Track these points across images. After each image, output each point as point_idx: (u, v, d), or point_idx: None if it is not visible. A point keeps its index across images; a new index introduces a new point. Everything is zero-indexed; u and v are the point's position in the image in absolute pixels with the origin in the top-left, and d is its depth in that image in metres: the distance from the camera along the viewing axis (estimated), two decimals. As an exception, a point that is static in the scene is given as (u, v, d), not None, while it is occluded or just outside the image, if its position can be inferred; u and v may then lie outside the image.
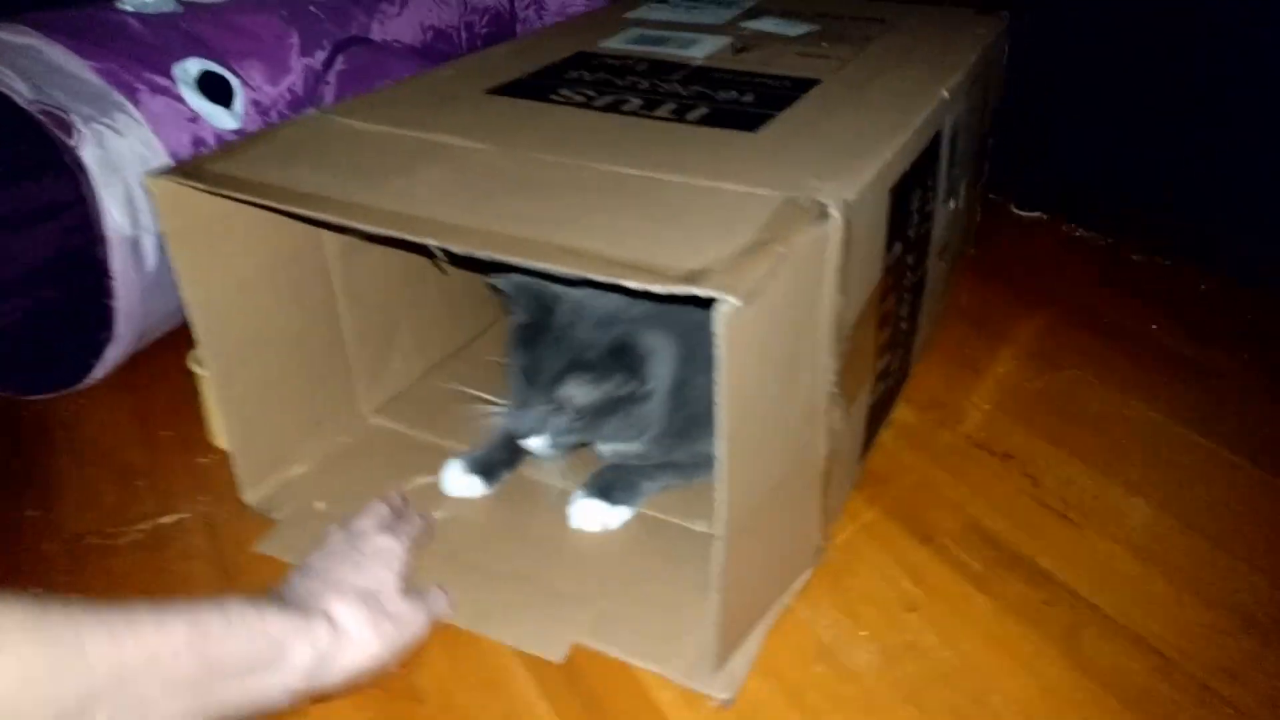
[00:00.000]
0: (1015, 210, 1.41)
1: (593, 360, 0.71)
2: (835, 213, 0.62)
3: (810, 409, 0.67)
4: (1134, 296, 1.17)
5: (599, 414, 0.73)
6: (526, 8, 1.58)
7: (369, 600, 0.60)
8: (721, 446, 0.56)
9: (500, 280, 0.74)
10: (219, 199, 0.69)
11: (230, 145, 0.75)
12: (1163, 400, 0.97)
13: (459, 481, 0.82)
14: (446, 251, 0.60)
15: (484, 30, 1.49)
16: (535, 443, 0.75)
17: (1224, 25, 1.14)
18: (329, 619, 0.57)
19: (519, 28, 1.58)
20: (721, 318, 0.52)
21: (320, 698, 0.57)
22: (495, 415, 0.80)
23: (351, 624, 0.58)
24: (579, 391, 0.72)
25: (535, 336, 0.74)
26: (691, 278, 0.54)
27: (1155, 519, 0.81)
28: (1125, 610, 0.72)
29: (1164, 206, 1.26)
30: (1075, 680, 0.67)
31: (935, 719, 0.64)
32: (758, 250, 0.57)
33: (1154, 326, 1.11)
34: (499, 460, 0.83)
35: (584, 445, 0.81)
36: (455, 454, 0.83)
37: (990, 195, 1.37)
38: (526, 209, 0.63)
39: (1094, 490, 0.85)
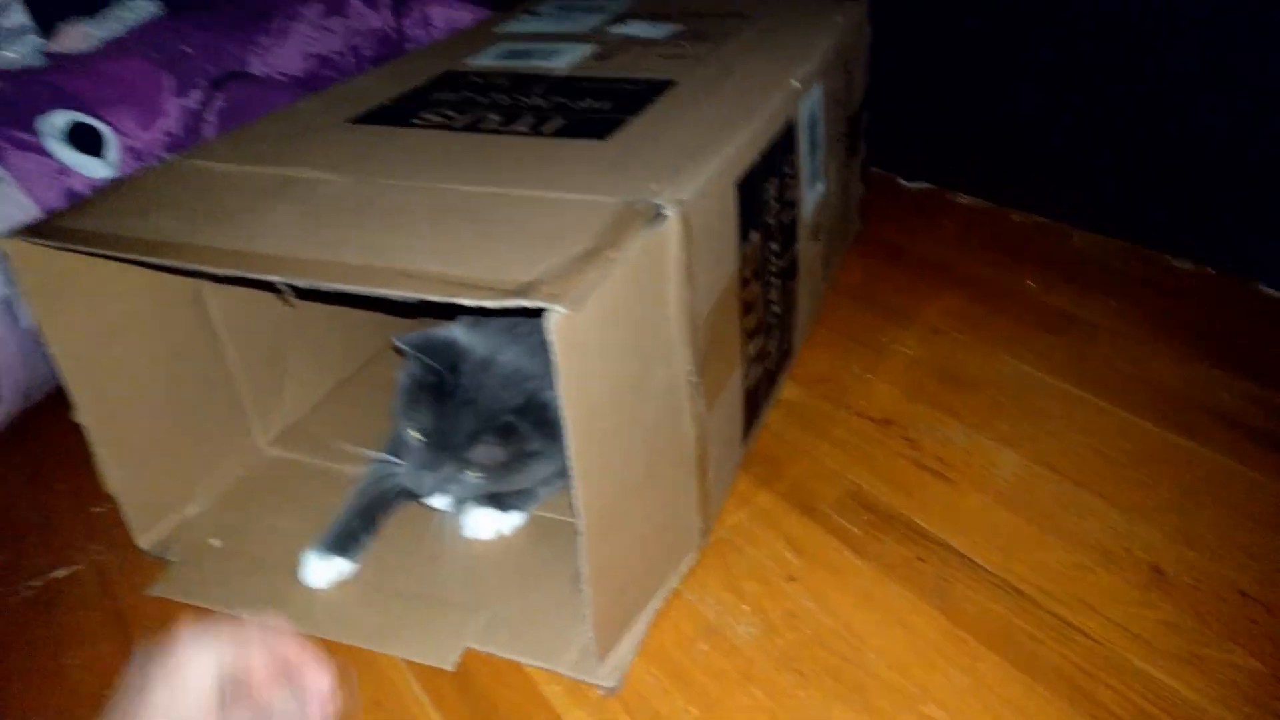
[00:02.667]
0: (902, 182, 1.46)
1: (506, 423, 0.70)
2: (671, 213, 0.64)
3: (671, 400, 0.70)
4: (1012, 256, 1.22)
5: (507, 469, 0.73)
6: (414, 26, 1.59)
7: None
8: (571, 449, 0.58)
9: (402, 340, 0.73)
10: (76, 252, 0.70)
11: (87, 198, 0.76)
12: (1035, 353, 1.02)
13: (320, 569, 0.76)
14: (292, 286, 0.62)
15: (371, 53, 1.49)
16: (439, 500, 0.75)
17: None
18: None
19: (408, 48, 1.59)
20: (552, 326, 0.54)
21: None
22: (395, 474, 0.77)
23: None
24: (492, 454, 0.72)
25: (440, 397, 0.72)
26: (522, 290, 0.56)
27: (1025, 468, 0.86)
28: (993, 558, 0.76)
29: (1039, 167, 1.31)
30: (945, 629, 0.70)
31: (813, 681, 0.67)
32: (590, 258, 0.59)
33: (1030, 283, 1.16)
34: (357, 530, 0.79)
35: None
36: (311, 540, 0.78)
37: (876, 169, 1.41)
38: (371, 236, 0.65)
39: (968, 447, 0.89)
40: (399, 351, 0.76)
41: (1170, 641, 0.68)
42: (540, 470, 0.76)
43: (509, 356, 0.74)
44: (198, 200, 0.73)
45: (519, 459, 0.74)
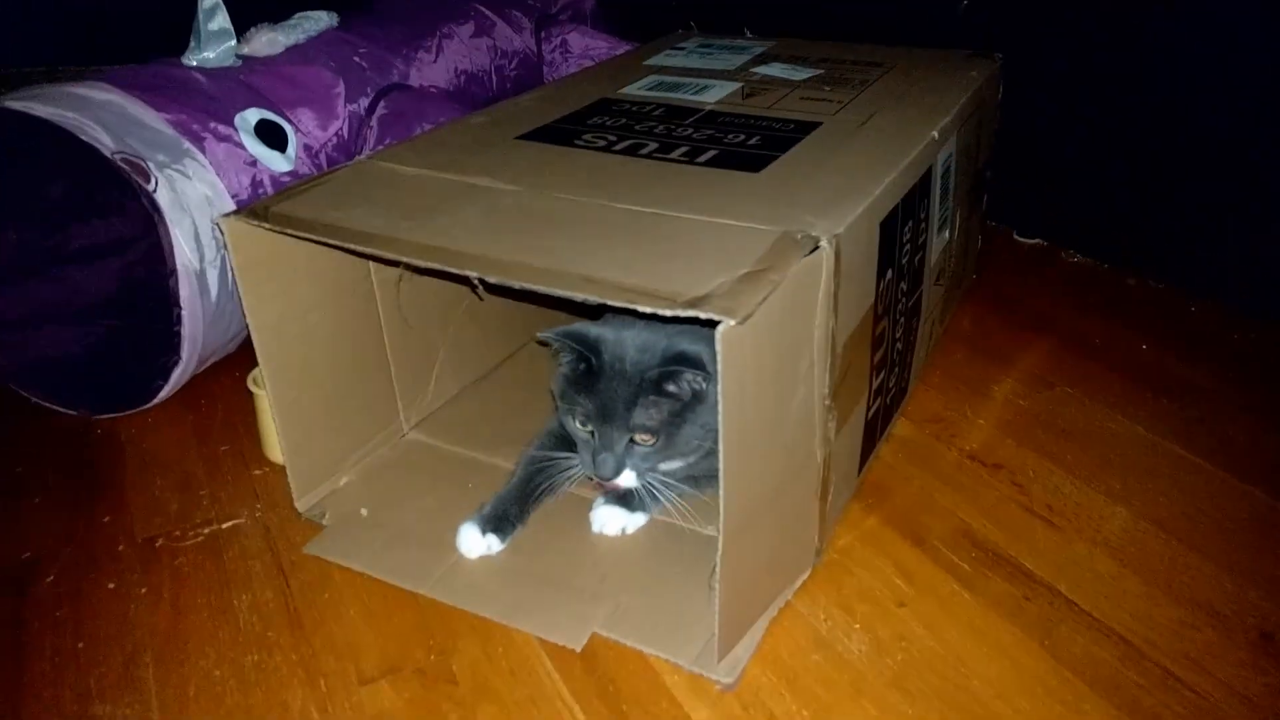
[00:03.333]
0: (1017, 237, 1.48)
1: (656, 376, 0.77)
2: (826, 245, 0.70)
3: (806, 420, 0.75)
4: (1126, 318, 1.24)
5: (672, 426, 0.78)
6: (552, 50, 1.69)
7: None
8: (722, 451, 0.63)
9: (548, 335, 0.79)
10: (282, 236, 0.78)
11: (290, 188, 0.84)
12: (1147, 415, 1.03)
13: (476, 541, 0.83)
14: (483, 281, 0.68)
15: (513, 73, 1.59)
16: (625, 479, 0.80)
17: (1211, 58, 1.21)
18: None
19: (545, 70, 1.68)
20: (721, 337, 0.60)
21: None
22: (572, 470, 0.85)
23: None
24: (651, 414, 0.78)
25: (593, 380, 0.79)
26: (695, 302, 0.62)
27: (1133, 524, 0.88)
28: (1099, 605, 0.79)
29: (1157, 233, 1.32)
30: (1050, 667, 0.73)
31: (919, 701, 0.71)
32: (755, 278, 0.65)
33: (1143, 347, 1.17)
34: (512, 515, 0.86)
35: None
36: (470, 514, 0.85)
37: (992, 223, 1.44)
38: (552, 243, 0.71)
39: (1077, 498, 0.91)
40: (542, 343, 0.82)
41: (1279, 706, 0.70)
42: (695, 427, 0.80)
43: (636, 331, 0.80)
44: (392, 198, 0.81)
45: (677, 413, 0.78)
